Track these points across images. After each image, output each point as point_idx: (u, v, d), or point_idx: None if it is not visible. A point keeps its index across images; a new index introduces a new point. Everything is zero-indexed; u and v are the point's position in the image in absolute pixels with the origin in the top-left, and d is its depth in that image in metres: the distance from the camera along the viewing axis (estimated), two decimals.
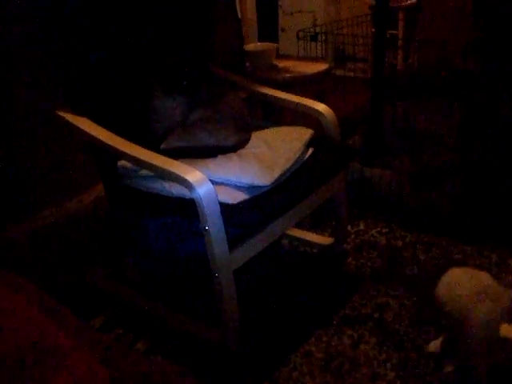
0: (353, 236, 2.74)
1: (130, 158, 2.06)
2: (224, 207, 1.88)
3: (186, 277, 2.45)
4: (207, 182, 1.85)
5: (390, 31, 4.29)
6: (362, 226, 2.81)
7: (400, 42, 4.24)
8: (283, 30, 3.95)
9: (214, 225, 1.86)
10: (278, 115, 2.86)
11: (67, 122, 2.16)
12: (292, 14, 4.13)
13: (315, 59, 2.92)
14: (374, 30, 3.45)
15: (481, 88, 2.70)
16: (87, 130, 2.12)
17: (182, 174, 1.88)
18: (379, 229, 2.78)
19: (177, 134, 2.25)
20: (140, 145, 2.05)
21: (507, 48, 2.47)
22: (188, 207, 1.96)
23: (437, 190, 2.75)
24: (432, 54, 4.08)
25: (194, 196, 1.84)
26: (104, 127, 2.13)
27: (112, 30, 2.28)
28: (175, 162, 1.98)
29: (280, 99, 2.45)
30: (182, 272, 2.46)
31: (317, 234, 2.74)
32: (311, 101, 2.39)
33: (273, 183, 2.03)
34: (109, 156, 2.17)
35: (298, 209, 2.16)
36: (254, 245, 2.06)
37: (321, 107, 2.36)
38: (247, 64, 2.82)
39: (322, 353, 2.08)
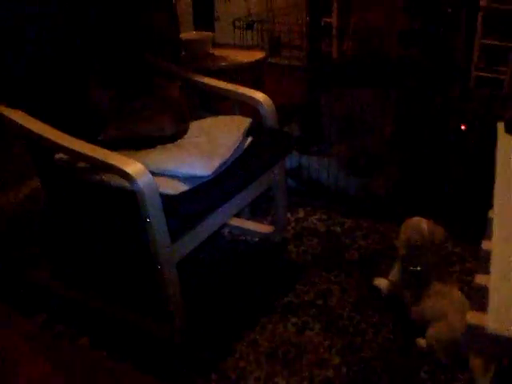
0: (293, 223, 2.75)
1: (67, 151, 2.00)
2: (165, 198, 1.86)
3: (128, 270, 2.41)
4: (147, 174, 1.82)
5: (324, 19, 4.33)
6: (301, 214, 2.83)
7: (334, 30, 4.27)
8: (217, 18, 3.92)
9: (155, 217, 1.83)
10: (215, 104, 2.84)
11: (1, 114, 2.09)
12: (226, 1, 4.11)
13: (251, 48, 2.91)
14: (308, 18, 3.47)
15: (416, 75, 2.76)
16: (22, 123, 2.05)
17: (121, 166, 1.84)
18: (318, 216, 2.81)
19: (114, 125, 2.20)
20: (78, 137, 2.00)
21: (444, 36, 2.52)
22: (128, 199, 1.92)
23: (374, 177, 2.79)
24: (366, 41, 4.14)
25: (134, 188, 1.80)
26: (40, 120, 2.07)
27: (46, 20, 2.20)
28: (113, 153, 1.93)
29: (217, 88, 2.43)
30: (123, 265, 2.42)
31: (256, 222, 2.74)
32: (249, 89, 2.38)
33: (213, 173, 2.01)
34: (45, 149, 2.11)
35: (240, 198, 2.15)
36: (196, 235, 2.05)
37: (259, 95, 2.35)
38: (183, 53, 2.78)
39: (268, 341, 2.08)
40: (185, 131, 2.28)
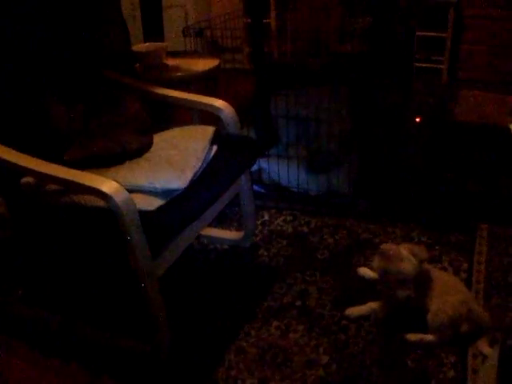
0: (259, 227, 2.76)
1: (35, 174, 1.95)
2: (142, 215, 1.84)
3: (107, 290, 2.36)
4: (124, 191, 1.79)
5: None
6: (266, 217, 2.84)
7: (273, 31, 4.30)
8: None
9: (135, 234, 1.80)
10: (168, 115, 2.82)
11: None
12: (163, 9, 4.07)
13: (203, 55, 2.90)
14: (248, 20, 3.49)
15: (368, 72, 2.81)
16: None
17: (95, 186, 1.80)
18: (284, 217, 2.83)
19: (78, 144, 2.15)
20: (42, 159, 1.95)
21: (394, 33, 2.58)
22: (104, 218, 1.89)
23: (334, 174, 2.83)
24: (305, 40, 4.20)
25: (111, 207, 1.77)
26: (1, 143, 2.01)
27: None
28: (85, 173, 1.90)
29: (178, 99, 2.41)
30: (102, 286, 2.37)
31: (224, 229, 2.74)
32: (209, 98, 2.38)
33: (187, 185, 2.00)
34: (10, 174, 2.05)
35: (213, 207, 2.15)
36: (175, 249, 2.04)
37: (219, 103, 2.35)
38: (137, 65, 2.74)
39: (254, 347, 2.08)
40: (150, 144, 2.25)
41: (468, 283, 2.33)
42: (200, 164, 2.12)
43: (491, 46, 3.90)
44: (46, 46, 2.29)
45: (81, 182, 1.84)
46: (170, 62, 2.76)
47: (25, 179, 2.09)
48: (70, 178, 1.86)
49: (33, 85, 2.22)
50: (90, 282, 2.38)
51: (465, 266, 2.44)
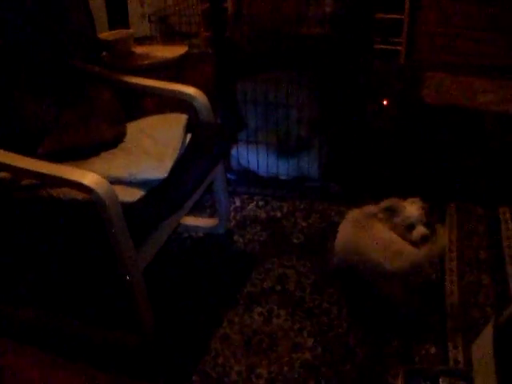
0: (232, 214, 2.76)
1: (10, 169, 1.90)
2: (125, 206, 1.81)
3: (88, 283, 2.33)
4: (106, 183, 1.77)
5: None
6: (238, 203, 2.84)
7: (230, 16, 4.26)
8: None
9: (118, 226, 1.78)
10: (137, 103, 2.77)
11: None
12: None
13: (169, 42, 2.87)
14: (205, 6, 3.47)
15: (328, 54, 2.82)
16: None
17: (75, 179, 1.77)
18: (255, 202, 2.83)
19: (52, 136, 2.11)
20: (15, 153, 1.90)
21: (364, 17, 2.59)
22: (84, 211, 1.87)
23: (304, 158, 2.85)
24: (261, 25, 4.17)
25: (94, 199, 1.74)
26: None
27: None
28: (63, 166, 1.86)
29: (148, 87, 2.38)
30: (83, 279, 2.34)
31: (196, 217, 2.72)
32: (180, 85, 2.35)
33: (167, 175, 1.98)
34: None
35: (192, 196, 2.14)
36: (158, 239, 2.03)
37: (191, 90, 2.33)
38: (104, 53, 2.68)
39: (239, 333, 2.09)
40: (124, 134, 2.23)
41: (441, 261, 2.40)
42: (177, 153, 2.11)
43: (448, 27, 3.97)
44: (11, 37, 2.22)
45: (60, 175, 1.80)
46: (138, 49, 2.71)
47: (0, 174, 2.05)
48: (49, 172, 1.82)
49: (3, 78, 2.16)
50: (73, 275, 2.34)
51: None
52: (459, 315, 2.14)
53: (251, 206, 2.82)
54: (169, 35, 3.19)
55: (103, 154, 2.10)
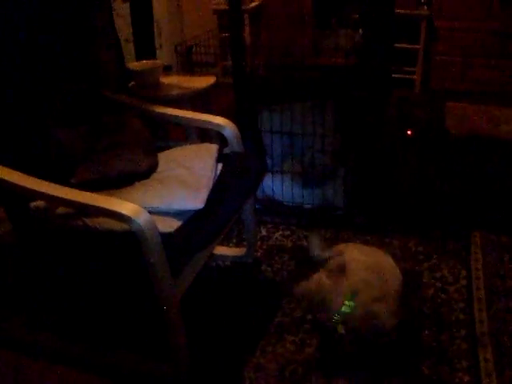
0: (259, 243, 2.77)
1: (47, 197, 1.91)
2: (163, 237, 1.83)
3: (123, 314, 2.33)
4: (145, 213, 1.78)
5: None
6: (264, 232, 2.85)
7: (248, 46, 4.33)
8: (128, 40, 3.87)
9: (158, 257, 1.79)
10: (163, 133, 2.81)
11: None
12: None
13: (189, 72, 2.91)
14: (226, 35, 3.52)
15: (353, 85, 2.86)
16: None
17: (115, 209, 1.79)
18: (281, 232, 2.85)
19: (86, 166, 2.13)
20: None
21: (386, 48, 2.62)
22: (120, 241, 1.89)
23: (328, 188, 2.87)
24: (277, 54, 4.25)
25: (134, 229, 1.76)
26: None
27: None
28: (101, 196, 1.88)
29: (180, 117, 2.40)
30: (118, 309, 2.34)
31: (224, 246, 2.73)
32: (211, 115, 2.38)
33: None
34: (19, 198, 2.01)
35: None
36: (193, 269, 2.04)
37: (222, 121, 2.35)
38: (132, 83, 2.72)
39: (273, 363, 2.09)
40: (156, 164, 2.25)
41: (468, 290, 2.41)
42: (211, 183, 2.13)
43: (463, 56, 4.03)
44: (45, 69, 2.26)
45: (99, 205, 1.82)
46: (165, 79, 2.75)
47: (34, 203, 2.06)
48: (87, 202, 1.83)
49: (34, 108, 2.19)
50: (107, 305, 2.34)
51: (463, 273, 2.51)
52: (489, 343, 2.15)
53: (277, 235, 2.83)
54: (188, 65, 3.23)
55: (137, 184, 2.12)
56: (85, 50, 2.38)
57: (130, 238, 1.82)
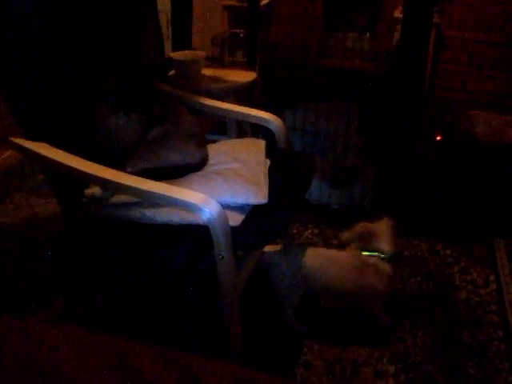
0: None
1: (111, 185, 1.87)
2: (232, 231, 1.81)
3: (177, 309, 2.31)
4: (218, 206, 1.76)
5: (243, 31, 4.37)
6: (294, 230, 2.86)
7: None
8: None
9: (227, 251, 1.78)
10: None
11: (27, 149, 1.91)
12: None
13: (238, 66, 2.90)
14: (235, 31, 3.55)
15: (379, 89, 2.91)
16: (57, 158, 1.88)
17: (186, 198, 1.77)
18: (311, 230, 2.86)
19: (140, 154, 2.09)
20: None
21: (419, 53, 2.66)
22: (183, 234, 1.87)
23: (355, 188, 2.90)
24: (284, 54, 4.25)
25: (207, 222, 1.74)
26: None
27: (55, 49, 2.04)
28: (170, 185, 1.86)
29: (227, 111, 2.38)
30: (171, 304, 2.31)
31: None
32: (259, 111, 2.37)
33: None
34: (74, 185, 1.97)
35: None
36: (252, 262, 2.04)
37: (271, 116, 2.35)
38: (171, 73, 2.67)
39: (321, 360, 2.11)
40: (207, 157, 2.23)
41: (499, 294, 2.47)
42: (267, 178, 2.12)
43: (468, 66, 4.13)
44: (95, 55, 2.21)
45: (169, 194, 1.79)
46: (206, 71, 2.71)
47: (89, 191, 2.02)
48: (155, 190, 1.80)
49: (85, 94, 2.14)
50: (161, 298, 2.30)
51: (492, 277, 2.58)
52: None
53: (307, 233, 2.84)
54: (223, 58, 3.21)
55: (193, 176, 2.09)
56: (133, 35, 2.33)
57: (193, 230, 1.82)
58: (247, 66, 3.14)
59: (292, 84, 3.31)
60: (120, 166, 2.00)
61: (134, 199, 1.94)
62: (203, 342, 2.15)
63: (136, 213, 1.94)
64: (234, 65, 3.21)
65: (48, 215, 2.85)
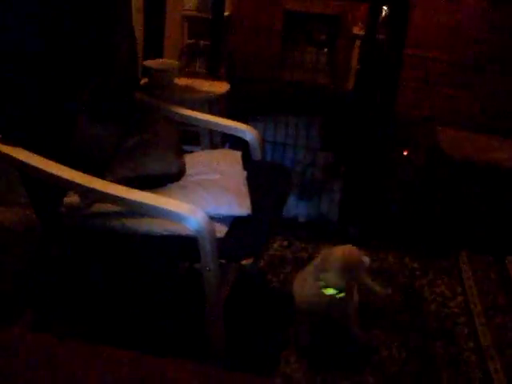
0: None
1: (93, 193, 1.82)
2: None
3: (158, 316, 2.25)
4: (205, 215, 1.75)
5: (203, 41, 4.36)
6: None
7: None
8: None
9: (213, 261, 1.76)
10: None
11: (5, 154, 1.85)
12: None
13: (212, 78, 2.89)
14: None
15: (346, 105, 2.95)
16: (37, 164, 1.82)
17: (172, 208, 1.75)
18: (279, 242, 2.84)
19: (119, 162, 2.05)
20: None
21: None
22: (164, 245, 1.84)
23: (324, 200, 2.92)
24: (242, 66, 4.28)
25: (195, 232, 1.72)
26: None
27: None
28: (154, 195, 1.82)
29: (203, 121, 2.37)
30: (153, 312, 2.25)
31: None
32: (234, 122, 2.36)
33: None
34: (52, 193, 1.91)
35: None
36: (233, 273, 2.03)
37: (247, 128, 2.34)
38: (145, 81, 2.62)
39: (300, 373, 2.10)
40: (184, 167, 2.20)
41: (466, 305, 2.53)
42: (247, 189, 2.11)
43: (426, 84, 4.24)
44: (70, 60, 2.15)
45: (153, 203, 1.76)
46: (179, 81, 2.67)
47: (68, 200, 1.96)
48: (139, 200, 1.77)
49: (62, 100, 2.07)
50: (142, 305, 2.24)
51: (459, 289, 2.63)
52: (496, 355, 2.27)
53: (276, 245, 2.82)
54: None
55: (172, 186, 2.06)
56: (105, 38, 2.27)
57: (173, 242, 1.82)
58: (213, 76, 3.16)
59: (255, 96, 3.31)
60: (98, 175, 1.95)
61: (115, 209, 1.90)
62: (186, 346, 2.11)
63: (117, 223, 1.90)
64: (196, 75, 3.19)
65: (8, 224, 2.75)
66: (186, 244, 1.79)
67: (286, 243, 2.85)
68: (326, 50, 4.39)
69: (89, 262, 2.03)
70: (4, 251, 2.51)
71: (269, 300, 2.48)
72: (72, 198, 1.95)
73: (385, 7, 3.89)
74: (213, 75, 3.41)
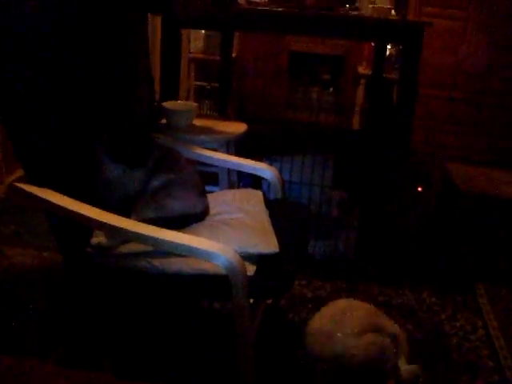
0: None
1: (125, 234, 1.83)
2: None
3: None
4: (236, 254, 1.76)
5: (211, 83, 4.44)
6: None
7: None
8: None
9: (246, 300, 1.77)
10: None
11: (32, 195, 1.87)
12: None
13: (229, 118, 2.92)
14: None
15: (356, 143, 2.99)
16: (67, 205, 1.84)
17: (205, 247, 1.76)
18: (297, 282, 2.84)
19: (144, 203, 2.07)
20: None
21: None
22: (194, 284, 1.85)
23: (338, 240, 2.94)
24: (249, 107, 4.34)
25: (227, 271, 1.73)
26: None
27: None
28: (185, 234, 1.84)
29: (225, 161, 2.40)
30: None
31: None
32: (255, 162, 2.39)
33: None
34: (80, 234, 1.92)
35: None
36: (262, 308, 2.03)
37: (268, 167, 2.38)
38: (163, 122, 2.65)
39: None
40: (208, 207, 2.21)
41: (488, 339, 2.52)
42: (271, 227, 2.13)
43: (428, 121, 4.32)
44: (92, 102, 2.18)
45: (185, 243, 1.77)
46: (196, 122, 2.71)
47: (95, 239, 1.97)
48: (174, 240, 1.78)
49: (86, 145, 2.10)
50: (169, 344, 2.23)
51: (479, 323, 2.63)
52: None
53: (294, 284, 2.82)
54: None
55: (198, 226, 2.08)
56: (127, 85, 2.31)
57: (202, 281, 1.82)
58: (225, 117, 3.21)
59: (266, 136, 3.35)
60: (124, 215, 1.96)
61: (143, 249, 1.91)
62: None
63: (145, 263, 1.91)
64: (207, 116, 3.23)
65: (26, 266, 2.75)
66: (216, 283, 1.81)
67: (304, 282, 2.86)
68: (331, 89, 4.47)
69: (116, 302, 2.02)
70: (24, 291, 2.51)
71: (294, 338, 2.47)
72: (99, 239, 1.95)
73: (388, 46, 4.01)
74: (224, 116, 3.47)
